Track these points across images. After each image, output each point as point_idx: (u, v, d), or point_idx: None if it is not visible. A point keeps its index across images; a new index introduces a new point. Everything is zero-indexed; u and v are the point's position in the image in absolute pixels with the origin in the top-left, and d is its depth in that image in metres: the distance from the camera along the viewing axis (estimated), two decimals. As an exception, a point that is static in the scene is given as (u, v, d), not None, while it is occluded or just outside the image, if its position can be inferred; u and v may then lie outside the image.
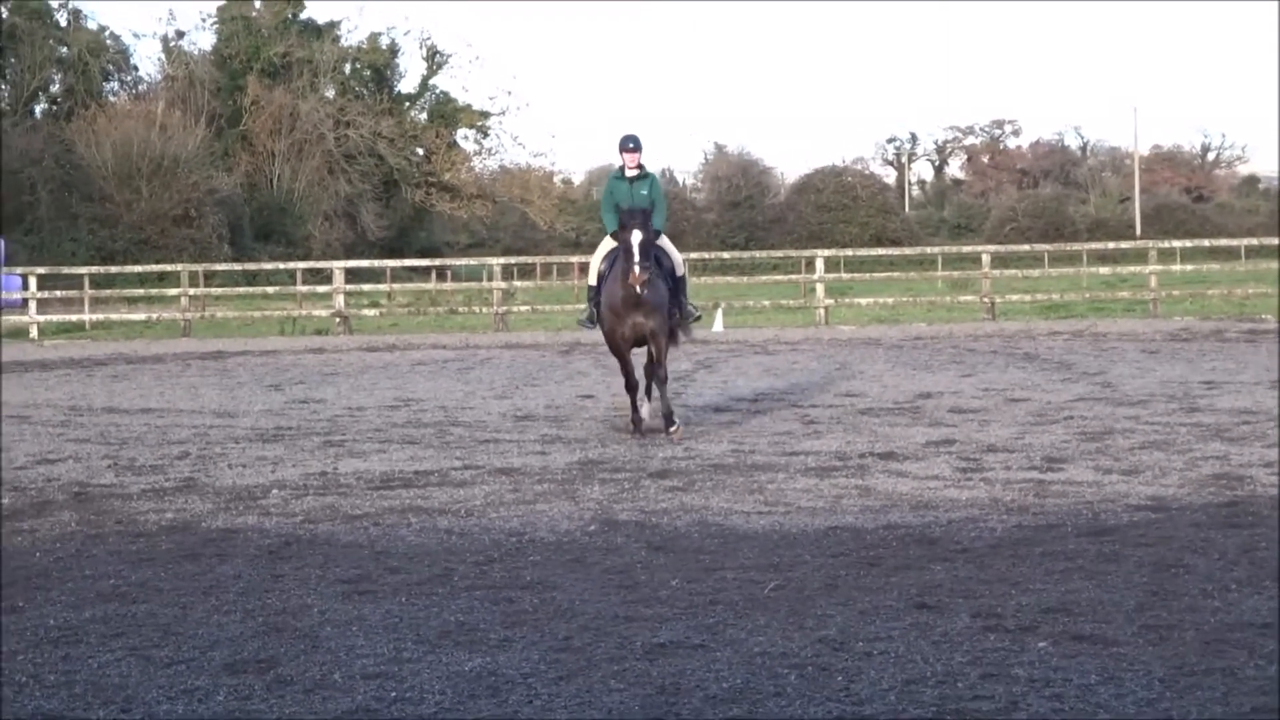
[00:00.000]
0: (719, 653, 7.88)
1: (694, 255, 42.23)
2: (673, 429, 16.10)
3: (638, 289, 15.61)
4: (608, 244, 16.68)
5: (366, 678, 7.55)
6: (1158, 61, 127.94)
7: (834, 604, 8.86)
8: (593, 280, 16.98)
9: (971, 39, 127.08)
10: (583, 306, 17.88)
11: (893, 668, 7.56)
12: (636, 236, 15.48)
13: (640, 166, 16.75)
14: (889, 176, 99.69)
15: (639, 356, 16.99)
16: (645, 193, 16.34)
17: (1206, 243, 52.76)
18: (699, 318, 18.18)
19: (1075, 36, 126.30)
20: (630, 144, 16.65)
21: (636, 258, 15.46)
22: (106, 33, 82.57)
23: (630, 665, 7.68)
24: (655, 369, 16.59)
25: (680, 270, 16.92)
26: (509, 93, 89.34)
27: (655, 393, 16.82)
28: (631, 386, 16.73)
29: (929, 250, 56.96)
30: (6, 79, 78.81)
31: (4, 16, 77.95)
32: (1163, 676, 7.29)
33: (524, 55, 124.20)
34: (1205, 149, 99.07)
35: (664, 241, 16.53)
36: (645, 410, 16.94)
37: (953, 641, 8.00)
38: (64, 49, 79.68)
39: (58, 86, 79.79)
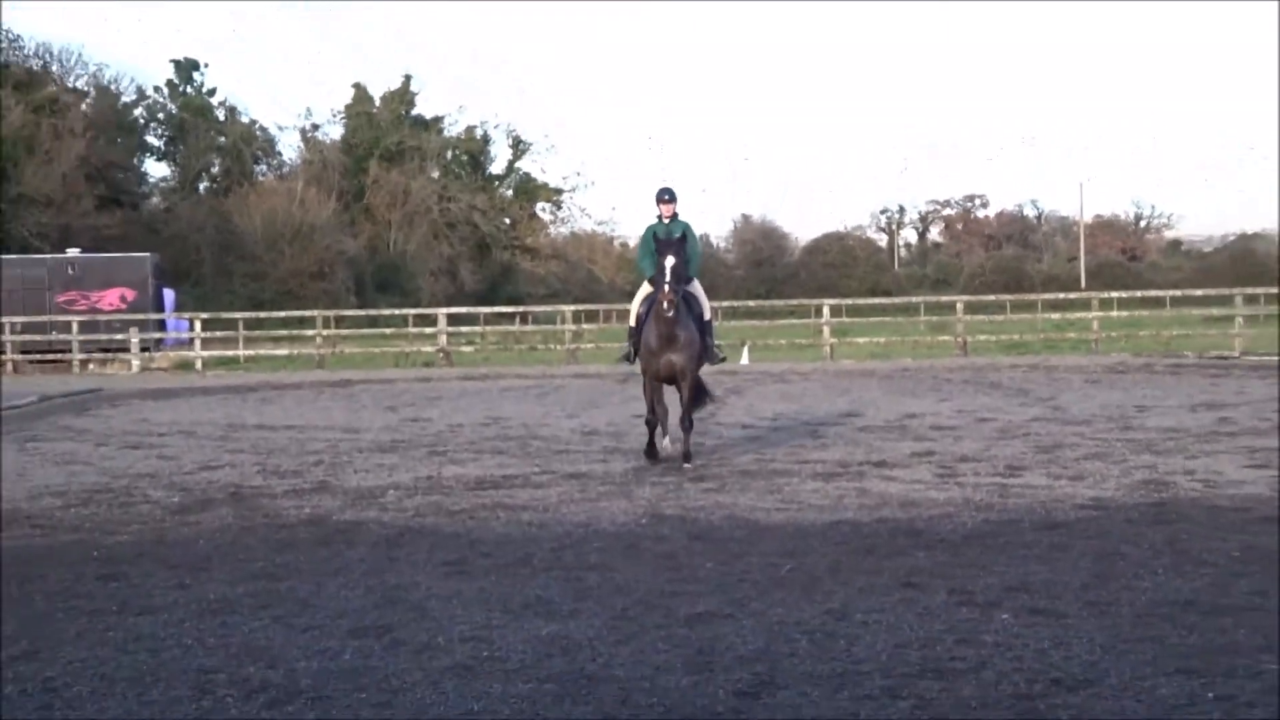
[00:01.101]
0: (745, 621, 7.89)
1: (725, 303, 42.31)
2: (687, 465, 14.72)
3: (666, 307, 14.39)
4: (644, 290, 15.50)
5: (464, 640, 7.58)
6: (1101, 146, 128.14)
7: (837, 583, 8.86)
8: (632, 322, 15.81)
9: (948, 130, 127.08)
10: (625, 348, 16.21)
11: (885, 634, 7.56)
12: (670, 261, 14.32)
13: (674, 216, 15.25)
14: (882, 240, 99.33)
15: (667, 394, 15.65)
16: (679, 235, 14.91)
17: (1139, 294, 52.41)
18: (724, 359, 17.25)
19: (1033, 126, 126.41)
20: (666, 195, 15.28)
21: (668, 278, 14.28)
22: (256, 125, 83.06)
23: (674, 631, 7.70)
24: (682, 415, 15.18)
25: (707, 315, 15.73)
26: (578, 174, 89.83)
27: (680, 433, 15.32)
28: (651, 423, 15.36)
29: (914, 299, 56.62)
30: (177, 163, 79.40)
31: (175, 112, 78.61)
32: (1103, 643, 7.27)
33: (591, 142, 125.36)
34: (1138, 218, 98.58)
35: (694, 287, 15.30)
36: (664, 445, 15.37)
37: (933, 614, 8.00)
38: (222, 139, 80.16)
39: (217, 169, 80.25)
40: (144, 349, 41.31)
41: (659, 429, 15.37)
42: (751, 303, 50.76)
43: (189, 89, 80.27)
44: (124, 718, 6.39)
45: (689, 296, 14.89)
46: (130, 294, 45.45)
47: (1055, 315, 46.55)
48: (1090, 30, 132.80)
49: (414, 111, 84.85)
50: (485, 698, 6.54)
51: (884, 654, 7.16)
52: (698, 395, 15.42)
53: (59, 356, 40.98)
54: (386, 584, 9.14)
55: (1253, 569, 9.06)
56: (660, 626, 7.81)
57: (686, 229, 15.00)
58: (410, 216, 79.09)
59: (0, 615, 4.33)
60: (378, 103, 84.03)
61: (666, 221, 15.04)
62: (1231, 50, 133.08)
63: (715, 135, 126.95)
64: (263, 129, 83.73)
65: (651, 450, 15.13)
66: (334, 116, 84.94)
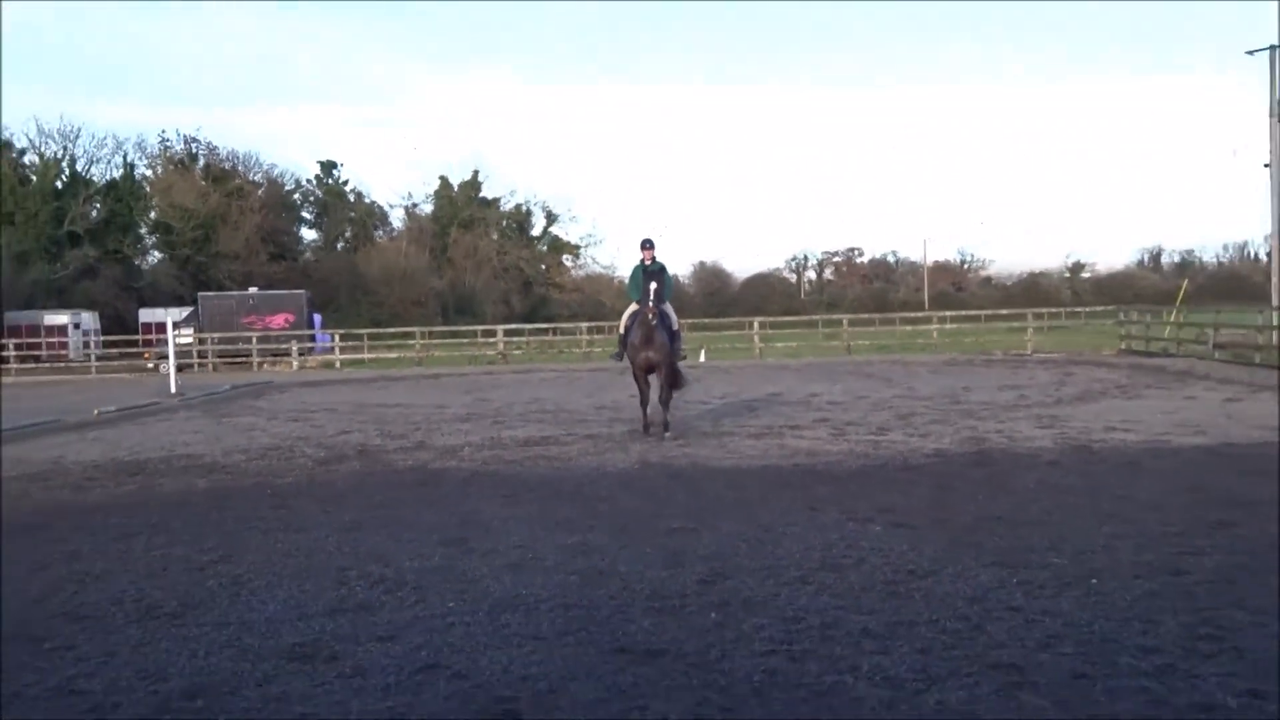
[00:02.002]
0: (704, 533, 7.89)
1: (689, 320, 42.25)
2: (668, 433, 14.19)
3: (650, 318, 13.92)
4: (630, 309, 14.75)
5: (516, 548, 7.58)
6: (936, 214, 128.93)
7: (765, 507, 8.87)
8: (621, 330, 15.15)
9: (836, 203, 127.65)
10: (616, 351, 15.55)
11: (798, 540, 7.57)
12: (653, 285, 14.02)
13: (653, 259, 14.37)
14: (793, 278, 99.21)
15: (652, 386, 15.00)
16: (657, 270, 14.34)
17: (964, 313, 52.42)
18: (684, 357, 16.64)
19: (891, 202, 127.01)
20: (647, 244, 14.38)
21: (650, 299, 13.91)
22: (374, 204, 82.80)
23: (657, 540, 7.70)
24: (660, 392, 14.61)
25: (676, 327, 14.96)
26: (591, 234, 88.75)
27: (663, 408, 14.64)
28: (643, 403, 14.68)
29: (815, 318, 56.51)
30: (322, 230, 79.21)
31: (320, 196, 78.46)
32: (943, 546, 7.30)
33: (601, 213, 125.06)
34: (963, 261, 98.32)
35: (667, 307, 14.62)
36: (649, 414, 14.54)
37: (828, 527, 8.01)
38: (352, 214, 79.93)
39: (349, 233, 79.92)
40: (300, 354, 41.32)
41: (648, 409, 14.68)
42: (706, 319, 50.51)
43: (330, 180, 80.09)
44: (288, 600, 6.38)
45: (663, 314, 14.44)
46: (291, 317, 45.54)
47: (909, 327, 46.56)
48: (929, 135, 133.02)
49: (480, 194, 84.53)
50: (531, 585, 6.55)
51: (797, 554, 7.18)
52: (678, 380, 14.92)
53: (243, 360, 40.93)
54: (463, 510, 9.14)
55: (1043, 495, 9.09)
56: (647, 537, 7.82)
57: (662, 268, 14.60)
58: (478, 264, 78.70)
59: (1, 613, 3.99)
60: (456, 188, 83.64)
61: (648, 264, 14.48)
62: (1031, 142, 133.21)
63: (682, 200, 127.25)
64: (379, 206, 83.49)
65: (645, 425, 14.55)
66: (426, 198, 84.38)
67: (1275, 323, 28.63)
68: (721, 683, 4.80)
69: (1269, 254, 37.24)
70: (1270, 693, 4.55)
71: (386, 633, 5.69)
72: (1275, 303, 32.31)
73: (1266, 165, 32.84)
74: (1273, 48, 32.44)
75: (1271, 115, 32.52)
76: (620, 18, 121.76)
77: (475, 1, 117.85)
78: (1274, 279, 33.99)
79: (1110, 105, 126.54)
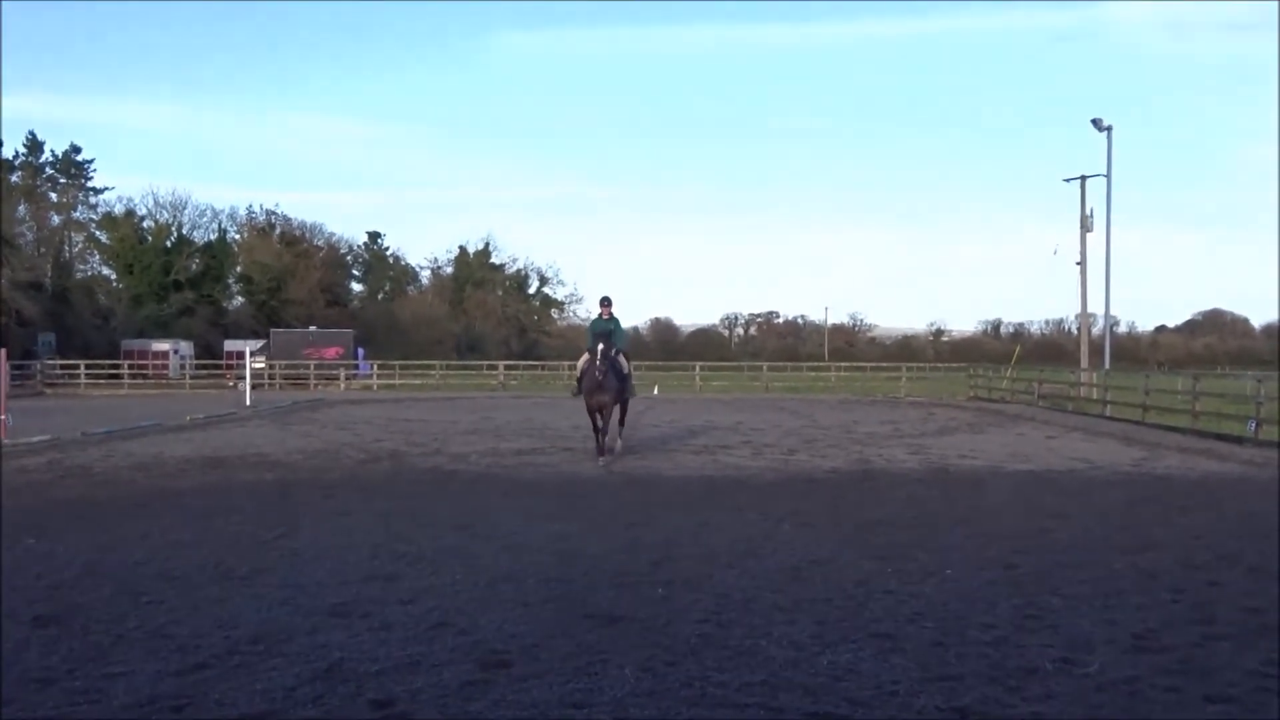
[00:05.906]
0: (653, 525, 7.85)
1: (645, 363, 42.23)
2: (618, 449, 13.21)
3: (596, 374, 12.45)
4: (585, 358, 13.30)
5: (510, 533, 7.49)
6: (833, 288, 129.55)
7: (703, 507, 8.84)
8: (578, 374, 13.64)
9: (760, 276, 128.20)
10: (573, 386, 14.07)
11: (727, 534, 7.54)
12: (601, 345, 12.44)
13: (610, 315, 13.07)
14: (726, 333, 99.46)
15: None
16: (611, 328, 12.95)
17: (854, 364, 52.86)
18: (634, 394, 14.67)
19: (801, 276, 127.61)
20: (605, 301, 13.10)
21: (598, 359, 12.42)
22: (409, 265, 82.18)
23: (619, 529, 7.66)
24: (609, 426, 12.99)
25: (627, 370, 13.32)
26: (573, 294, 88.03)
27: (614, 435, 13.44)
28: (596, 433, 12.86)
29: (742, 364, 56.65)
30: (367, 284, 78.50)
31: (367, 258, 77.90)
32: (837, 541, 7.30)
33: (581, 278, 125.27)
34: (853, 323, 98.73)
35: (620, 356, 13.02)
36: (605, 443, 12.89)
37: (750, 524, 8.00)
38: (391, 272, 79.36)
39: (388, 288, 79.29)
40: (347, 379, 40.85)
41: (601, 437, 13.02)
42: (659, 362, 50.58)
43: (375, 246, 79.49)
44: (332, 569, 6.26)
45: (615, 362, 12.96)
46: (340, 350, 45.09)
47: (813, 373, 46.84)
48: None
49: (490, 260, 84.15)
50: (522, 563, 6.47)
51: (724, 546, 7.14)
52: (624, 418, 13.77)
53: (303, 381, 40.34)
54: (470, 503, 9.04)
55: (912, 505, 9.12)
56: (610, 528, 7.77)
57: (616, 323, 13.34)
58: (486, 314, 78.01)
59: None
60: (471, 255, 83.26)
61: (605, 319, 13.03)
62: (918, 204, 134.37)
63: (644, 270, 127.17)
64: (412, 267, 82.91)
65: (598, 450, 12.88)
66: (448, 262, 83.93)
67: (1082, 380, 29.13)
68: (666, 643, 4.77)
69: (1078, 328, 37.95)
70: (1079, 659, 4.59)
71: (408, 596, 5.60)
72: (1083, 365, 32.88)
73: (1078, 263, 33.58)
74: (1082, 177, 33.32)
75: (1081, 226, 33.32)
76: (609, 130, 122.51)
77: (494, 112, 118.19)
78: (1083, 347, 34.62)
79: (966, 216, 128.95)
